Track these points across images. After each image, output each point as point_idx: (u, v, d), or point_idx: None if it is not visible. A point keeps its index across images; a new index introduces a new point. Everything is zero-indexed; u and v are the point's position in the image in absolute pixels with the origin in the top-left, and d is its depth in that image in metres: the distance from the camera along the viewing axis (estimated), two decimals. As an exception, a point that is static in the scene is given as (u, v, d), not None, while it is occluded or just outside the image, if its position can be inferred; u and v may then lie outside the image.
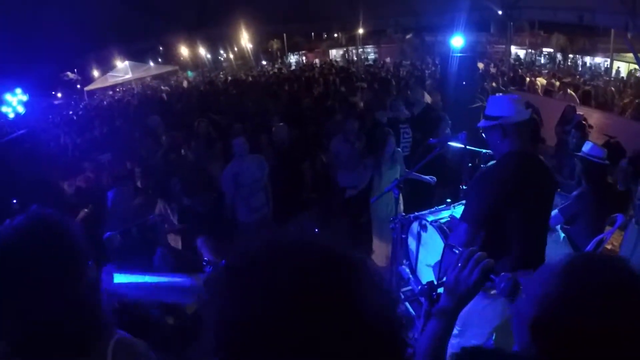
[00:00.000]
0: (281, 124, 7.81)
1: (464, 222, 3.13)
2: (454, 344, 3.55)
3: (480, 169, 3.78)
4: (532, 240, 3.30)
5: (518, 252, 3.10)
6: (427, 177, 6.00)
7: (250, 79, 21.30)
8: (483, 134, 3.47)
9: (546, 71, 20.01)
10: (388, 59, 25.23)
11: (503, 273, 2.05)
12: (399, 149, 6.48)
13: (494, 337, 3.47)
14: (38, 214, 1.56)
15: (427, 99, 9.49)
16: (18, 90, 5.64)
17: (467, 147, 5.18)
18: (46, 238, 1.50)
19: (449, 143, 5.38)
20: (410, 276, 5.04)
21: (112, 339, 1.60)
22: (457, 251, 2.40)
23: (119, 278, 2.30)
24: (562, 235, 4.88)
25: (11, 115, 5.89)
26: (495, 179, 3.16)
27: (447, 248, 2.60)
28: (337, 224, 7.26)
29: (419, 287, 4.69)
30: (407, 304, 5.26)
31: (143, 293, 2.47)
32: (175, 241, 5.72)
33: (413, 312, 5.08)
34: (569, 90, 11.95)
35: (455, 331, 3.54)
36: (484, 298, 3.21)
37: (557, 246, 4.87)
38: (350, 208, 7.40)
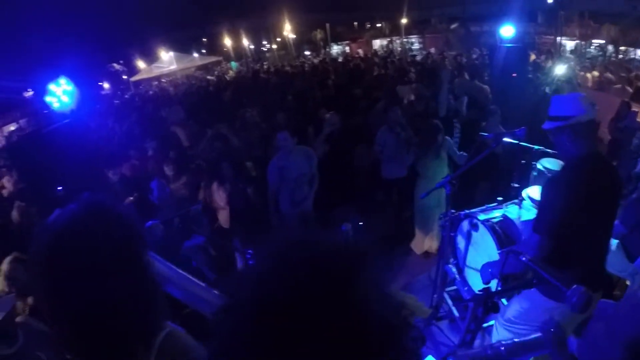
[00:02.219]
0: (332, 112, 7.65)
1: (538, 233, 2.96)
2: (502, 335, 3.40)
3: (551, 175, 3.52)
4: (598, 248, 3.14)
5: (584, 260, 2.87)
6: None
7: (291, 69, 21.10)
8: (550, 136, 3.22)
9: (598, 65, 19.10)
10: (433, 49, 24.68)
11: (575, 286, 1.93)
12: (451, 142, 6.22)
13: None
14: (93, 200, 1.47)
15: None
16: (62, 80, 5.65)
17: (520, 143, 4.88)
18: (104, 224, 1.42)
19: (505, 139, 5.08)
20: (457, 276, 4.81)
21: (163, 331, 1.54)
22: (524, 259, 2.21)
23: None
24: (616, 241, 4.55)
25: (56, 105, 5.92)
26: (572, 186, 2.94)
27: (513, 254, 2.43)
28: (380, 216, 7.10)
29: (473, 293, 4.47)
30: (450, 304, 5.09)
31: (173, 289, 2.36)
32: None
33: (457, 314, 4.88)
34: (626, 87, 11.31)
35: (503, 330, 3.40)
36: (546, 301, 3.08)
37: (611, 252, 4.55)
38: (393, 200, 7.22)
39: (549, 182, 3.16)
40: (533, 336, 1.93)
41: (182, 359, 1.55)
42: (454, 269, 4.88)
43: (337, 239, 0.92)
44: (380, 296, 0.84)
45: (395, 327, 0.83)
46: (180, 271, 2.30)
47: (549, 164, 4.50)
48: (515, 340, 1.72)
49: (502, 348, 1.60)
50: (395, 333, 0.83)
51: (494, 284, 3.61)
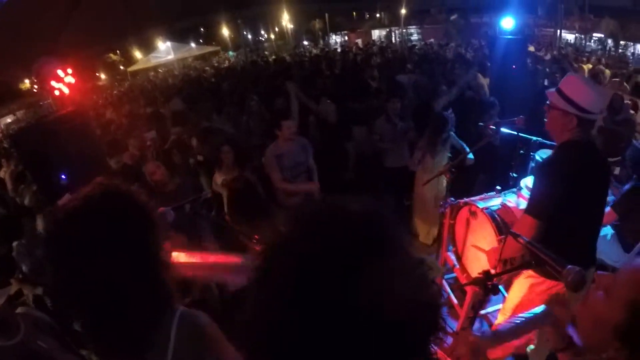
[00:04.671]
0: (328, 100, 7.65)
1: (529, 215, 2.97)
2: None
3: (542, 160, 3.52)
4: (588, 230, 3.17)
5: (575, 241, 2.91)
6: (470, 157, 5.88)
7: (290, 58, 21.07)
8: (547, 109, 3.16)
9: (595, 57, 19.04)
10: (432, 40, 24.67)
11: (570, 265, 1.98)
12: (453, 134, 6.25)
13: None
14: (106, 186, 1.50)
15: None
16: (69, 70, 5.68)
17: (519, 134, 4.92)
18: (120, 206, 1.46)
19: (504, 129, 5.13)
20: (456, 263, 4.86)
21: (176, 312, 1.59)
22: (522, 240, 2.27)
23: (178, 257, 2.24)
24: (611, 232, 4.61)
25: (57, 92, 5.96)
26: (558, 169, 2.95)
27: (512, 236, 2.47)
28: (382, 204, 7.12)
29: (473, 276, 4.52)
30: (449, 291, 5.13)
31: (196, 272, 2.41)
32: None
33: (455, 301, 4.93)
34: (624, 83, 11.28)
35: (505, 317, 3.47)
36: (544, 281, 3.16)
37: (606, 243, 4.62)
38: (394, 189, 7.27)
39: (540, 165, 3.18)
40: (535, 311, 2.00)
41: (199, 334, 1.61)
42: (453, 256, 4.93)
43: (366, 206, 0.96)
44: (406, 254, 0.89)
45: (421, 282, 0.88)
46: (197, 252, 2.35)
47: (546, 155, 4.54)
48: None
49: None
50: (421, 287, 0.87)
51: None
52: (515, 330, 2.20)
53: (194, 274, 2.42)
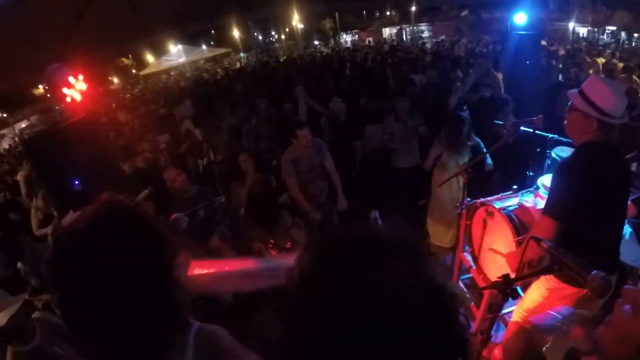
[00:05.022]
0: (338, 99, 7.60)
1: (547, 216, 2.92)
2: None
3: (561, 160, 3.46)
4: (609, 233, 3.10)
5: (595, 245, 2.84)
6: (489, 162, 5.79)
7: (300, 59, 21.04)
8: (567, 110, 3.13)
9: (609, 51, 18.75)
10: (443, 37, 24.51)
11: (595, 271, 1.93)
12: (474, 135, 6.16)
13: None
14: (113, 201, 1.41)
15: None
16: (80, 76, 5.69)
17: (535, 131, 4.83)
18: (126, 226, 1.38)
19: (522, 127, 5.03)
20: (473, 264, 4.79)
21: (192, 329, 1.54)
22: (545, 244, 2.21)
23: (196, 269, 2.20)
24: (630, 230, 4.51)
25: (68, 99, 5.97)
26: (578, 170, 2.90)
27: (534, 241, 2.41)
28: (394, 205, 7.08)
29: (489, 281, 4.46)
30: (466, 291, 5.07)
31: (221, 284, 2.38)
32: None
33: (472, 302, 4.86)
34: (634, 77, 11.06)
35: (520, 317, 3.40)
36: (565, 288, 3.08)
37: (624, 242, 4.51)
38: (408, 189, 7.20)
39: (559, 165, 3.09)
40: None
41: (217, 350, 1.56)
42: (469, 257, 4.87)
43: (394, 234, 0.96)
44: (438, 285, 0.89)
45: (450, 313, 0.88)
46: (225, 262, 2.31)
47: (563, 152, 4.47)
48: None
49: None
50: (449, 319, 0.88)
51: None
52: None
53: (211, 288, 2.38)
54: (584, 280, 1.85)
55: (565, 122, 3.16)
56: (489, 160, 5.68)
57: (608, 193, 2.92)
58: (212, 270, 2.25)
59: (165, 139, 8.61)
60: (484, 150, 5.79)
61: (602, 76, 7.32)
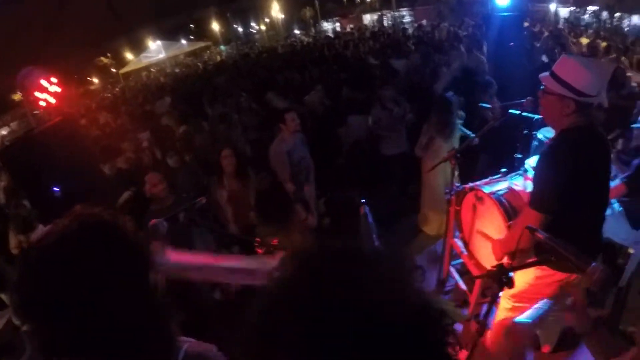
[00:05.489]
0: (313, 91, 7.52)
1: (533, 208, 2.80)
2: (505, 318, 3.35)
3: (542, 149, 3.33)
4: (594, 218, 3.00)
5: (582, 231, 2.77)
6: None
7: (282, 49, 20.91)
8: (540, 95, 2.98)
9: (591, 31, 18.69)
10: (424, 21, 24.40)
11: (594, 263, 1.87)
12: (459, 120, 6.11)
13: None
14: (85, 217, 1.28)
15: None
16: (53, 79, 5.55)
17: (522, 113, 4.77)
18: (102, 241, 1.24)
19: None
20: (464, 250, 4.74)
21: (180, 350, 1.39)
22: (541, 235, 2.15)
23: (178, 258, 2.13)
24: (619, 208, 4.46)
25: (43, 103, 5.83)
26: (561, 160, 2.74)
27: (528, 230, 2.34)
28: (383, 192, 7.04)
29: (481, 267, 4.42)
30: (457, 277, 5.00)
31: (202, 274, 2.27)
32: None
33: (464, 287, 4.83)
34: (622, 58, 11.04)
35: (508, 305, 3.34)
36: (554, 274, 3.01)
37: (613, 220, 4.47)
38: (397, 176, 7.15)
39: (542, 155, 2.93)
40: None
41: None
42: (460, 243, 4.82)
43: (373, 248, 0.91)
44: (423, 302, 0.83)
45: (436, 332, 0.82)
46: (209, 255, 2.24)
47: (549, 133, 4.40)
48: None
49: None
50: (436, 337, 0.82)
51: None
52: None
53: (194, 277, 2.30)
54: (582, 272, 1.77)
55: (541, 108, 3.03)
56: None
57: (592, 177, 2.83)
58: (190, 259, 2.18)
59: (146, 135, 8.46)
60: (471, 136, 5.74)
61: (574, 54, 7.24)
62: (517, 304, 3.26)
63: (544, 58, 8.84)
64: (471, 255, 4.63)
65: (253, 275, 2.11)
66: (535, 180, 2.90)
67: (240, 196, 5.34)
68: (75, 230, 1.23)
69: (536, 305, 3.17)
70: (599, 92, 2.79)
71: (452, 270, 5.13)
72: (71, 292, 1.15)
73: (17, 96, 21.85)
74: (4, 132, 23.08)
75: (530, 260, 2.50)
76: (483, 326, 2.58)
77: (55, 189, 5.23)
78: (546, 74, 2.93)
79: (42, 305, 1.16)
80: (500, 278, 2.20)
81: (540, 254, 2.75)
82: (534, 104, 4.08)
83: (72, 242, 1.20)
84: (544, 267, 3.04)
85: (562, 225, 2.63)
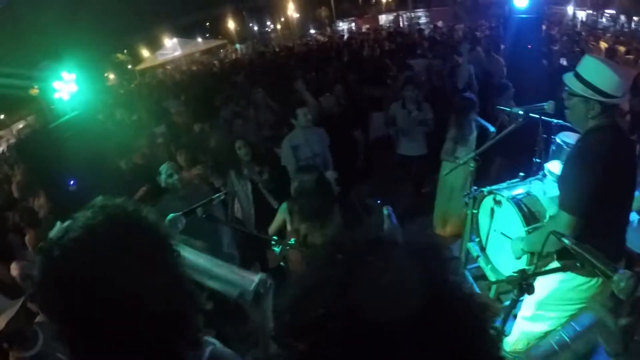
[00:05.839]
0: (327, 94, 7.50)
1: (564, 211, 2.75)
2: (526, 328, 3.29)
3: (570, 151, 3.29)
4: (621, 221, 2.96)
5: (609, 234, 2.75)
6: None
7: (297, 48, 20.88)
8: (564, 95, 2.96)
9: (609, 34, 18.44)
10: (440, 23, 24.29)
11: (622, 270, 1.83)
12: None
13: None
14: (111, 209, 1.24)
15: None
16: (64, 74, 5.58)
17: (542, 117, 4.71)
18: (126, 232, 1.21)
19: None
20: (480, 254, 4.69)
21: (204, 352, 1.36)
22: (567, 241, 2.11)
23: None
24: (638, 217, 4.38)
25: (60, 97, 5.85)
26: (591, 159, 2.70)
27: (554, 236, 2.29)
28: (398, 192, 7.01)
29: (497, 272, 4.38)
30: (472, 281, 4.96)
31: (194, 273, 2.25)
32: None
33: (479, 292, 4.78)
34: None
35: (528, 313, 3.29)
36: (566, 280, 2.96)
37: (632, 230, 4.38)
38: (412, 176, 7.13)
39: (571, 157, 2.90)
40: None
41: None
42: (476, 247, 4.77)
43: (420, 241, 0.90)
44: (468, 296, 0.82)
45: (478, 326, 0.81)
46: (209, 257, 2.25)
47: (567, 137, 4.34)
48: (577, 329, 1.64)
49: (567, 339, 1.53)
50: (479, 333, 0.81)
51: (523, 262, 3.53)
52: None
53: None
54: (609, 280, 1.73)
55: (567, 111, 3.00)
56: (492, 128, 5.58)
57: (620, 179, 2.78)
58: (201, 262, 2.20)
59: (161, 130, 8.47)
60: (491, 129, 5.72)
61: (596, 55, 7.14)
62: (539, 312, 3.20)
63: (563, 61, 8.74)
64: (487, 260, 4.58)
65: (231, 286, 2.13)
66: (565, 183, 2.85)
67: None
68: (101, 221, 1.19)
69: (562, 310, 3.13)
70: (624, 94, 2.74)
71: (468, 274, 5.09)
72: (99, 284, 1.12)
73: (34, 90, 22.05)
74: (20, 125, 23.29)
75: (553, 267, 2.47)
76: (500, 333, 2.55)
77: (71, 182, 5.26)
78: (570, 74, 2.89)
79: (69, 300, 1.14)
80: (521, 284, 2.16)
81: (564, 260, 2.71)
82: (555, 107, 4.03)
83: (99, 234, 1.17)
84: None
85: (588, 228, 2.60)
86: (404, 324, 0.71)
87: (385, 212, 2.63)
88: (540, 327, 3.21)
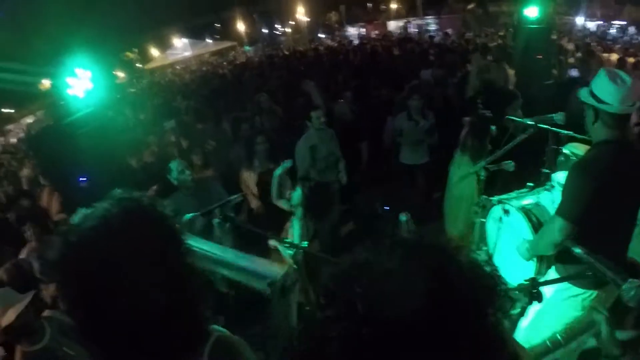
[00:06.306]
0: (341, 100, 7.55)
1: (558, 215, 2.87)
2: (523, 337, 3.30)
3: (576, 160, 3.39)
4: (621, 235, 3.01)
5: (606, 246, 2.74)
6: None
7: (309, 52, 20.91)
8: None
9: (619, 45, 18.43)
10: (449, 30, 24.29)
11: (631, 279, 1.87)
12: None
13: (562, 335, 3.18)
14: (128, 198, 1.32)
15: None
16: (79, 71, 5.62)
17: (548, 128, 4.73)
18: (142, 224, 1.28)
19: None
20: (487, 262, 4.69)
21: (210, 338, 1.42)
22: (578, 250, 2.14)
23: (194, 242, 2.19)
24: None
25: (77, 95, 5.91)
26: (590, 170, 2.83)
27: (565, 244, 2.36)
28: (407, 199, 7.03)
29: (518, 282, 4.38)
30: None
31: (214, 266, 2.36)
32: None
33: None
34: None
35: (525, 323, 3.30)
36: (565, 291, 3.03)
37: (637, 242, 4.40)
38: (419, 184, 7.15)
39: (573, 166, 3.04)
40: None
41: None
42: (483, 256, 4.78)
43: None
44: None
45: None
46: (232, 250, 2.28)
47: (576, 149, 4.36)
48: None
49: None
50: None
51: (530, 271, 3.55)
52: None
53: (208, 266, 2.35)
54: (617, 287, 1.77)
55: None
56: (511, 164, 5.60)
57: (622, 194, 2.83)
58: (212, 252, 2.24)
59: (171, 125, 8.47)
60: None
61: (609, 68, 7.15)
62: (535, 321, 3.21)
63: (574, 72, 8.75)
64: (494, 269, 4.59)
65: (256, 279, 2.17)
66: (564, 189, 2.96)
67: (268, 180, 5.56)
68: (117, 213, 1.26)
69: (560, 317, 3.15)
70: (621, 103, 2.79)
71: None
72: (110, 271, 1.19)
73: (43, 86, 22.13)
74: (29, 120, 23.40)
75: (563, 275, 2.51)
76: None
77: (82, 178, 5.30)
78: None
79: (80, 283, 1.21)
80: (531, 292, 2.19)
81: (571, 268, 2.75)
82: (565, 119, 4.07)
83: (114, 225, 1.24)
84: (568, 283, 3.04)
85: (588, 240, 2.63)
86: (418, 324, 0.74)
87: (403, 218, 2.68)
88: (536, 336, 3.24)
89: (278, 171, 5.00)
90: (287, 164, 5.01)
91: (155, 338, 1.24)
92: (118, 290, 1.18)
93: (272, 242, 3.70)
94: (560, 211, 2.88)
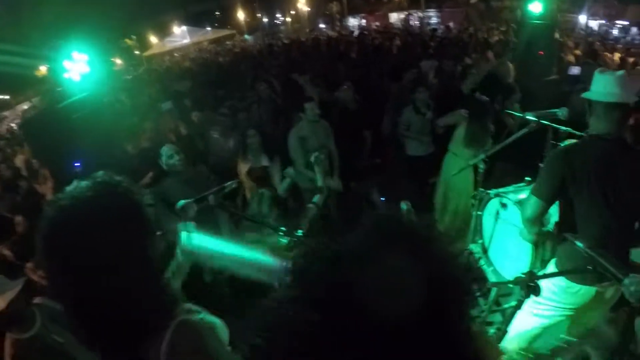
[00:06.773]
0: (345, 86, 7.48)
1: (531, 194, 3.04)
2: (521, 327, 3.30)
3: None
4: (618, 235, 2.94)
5: (610, 246, 2.70)
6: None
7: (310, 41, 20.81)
8: None
9: (620, 45, 18.41)
10: (451, 24, 24.18)
11: (632, 274, 1.85)
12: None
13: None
14: (104, 181, 1.42)
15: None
16: (75, 54, 5.58)
17: (549, 124, 4.71)
18: (111, 207, 1.39)
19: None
20: (482, 255, 4.69)
21: (174, 320, 1.45)
22: (580, 245, 2.13)
23: (201, 241, 2.29)
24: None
25: (71, 76, 5.86)
26: (562, 157, 2.97)
27: (569, 240, 2.36)
28: (403, 189, 7.01)
29: (499, 274, 4.38)
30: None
31: (220, 263, 2.43)
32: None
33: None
34: None
35: (523, 312, 3.30)
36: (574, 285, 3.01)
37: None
38: (419, 175, 7.11)
39: (554, 150, 3.28)
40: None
41: (197, 349, 1.46)
42: (479, 248, 4.77)
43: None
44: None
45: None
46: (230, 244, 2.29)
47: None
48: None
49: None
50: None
51: (526, 264, 3.54)
52: None
53: (214, 263, 2.46)
54: (619, 282, 1.74)
55: None
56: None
57: (608, 188, 2.83)
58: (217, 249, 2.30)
59: (168, 106, 8.34)
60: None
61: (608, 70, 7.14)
62: (533, 310, 3.21)
63: (575, 70, 8.70)
64: (489, 262, 4.59)
65: (265, 272, 2.16)
66: (540, 171, 3.16)
67: (260, 174, 5.69)
68: (89, 195, 1.37)
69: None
70: (606, 91, 2.87)
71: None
72: (79, 244, 1.31)
73: (39, 72, 22.03)
74: (26, 106, 23.31)
75: (563, 269, 2.49)
76: (503, 333, 2.56)
77: (76, 164, 5.25)
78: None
79: (51, 255, 1.34)
80: (529, 285, 2.17)
81: (572, 263, 2.73)
82: (566, 114, 4.05)
83: (86, 202, 1.35)
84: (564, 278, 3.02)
85: (572, 224, 2.82)
86: (410, 320, 0.73)
87: (404, 207, 2.65)
88: (533, 325, 3.23)
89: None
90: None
91: (120, 305, 1.34)
92: (81, 267, 1.30)
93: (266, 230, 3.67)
94: (533, 189, 3.05)
